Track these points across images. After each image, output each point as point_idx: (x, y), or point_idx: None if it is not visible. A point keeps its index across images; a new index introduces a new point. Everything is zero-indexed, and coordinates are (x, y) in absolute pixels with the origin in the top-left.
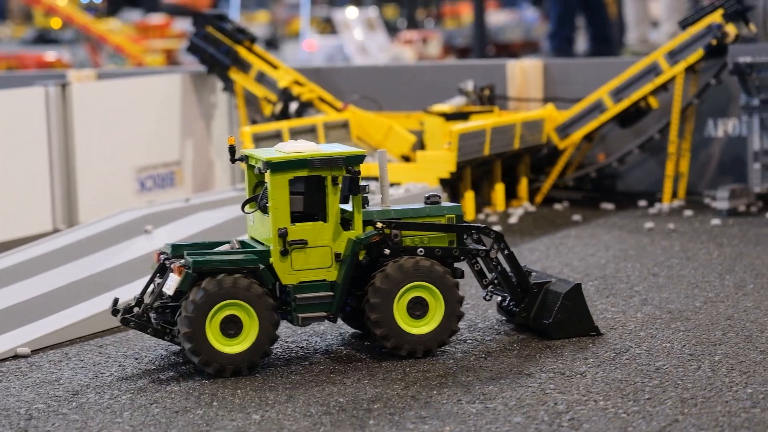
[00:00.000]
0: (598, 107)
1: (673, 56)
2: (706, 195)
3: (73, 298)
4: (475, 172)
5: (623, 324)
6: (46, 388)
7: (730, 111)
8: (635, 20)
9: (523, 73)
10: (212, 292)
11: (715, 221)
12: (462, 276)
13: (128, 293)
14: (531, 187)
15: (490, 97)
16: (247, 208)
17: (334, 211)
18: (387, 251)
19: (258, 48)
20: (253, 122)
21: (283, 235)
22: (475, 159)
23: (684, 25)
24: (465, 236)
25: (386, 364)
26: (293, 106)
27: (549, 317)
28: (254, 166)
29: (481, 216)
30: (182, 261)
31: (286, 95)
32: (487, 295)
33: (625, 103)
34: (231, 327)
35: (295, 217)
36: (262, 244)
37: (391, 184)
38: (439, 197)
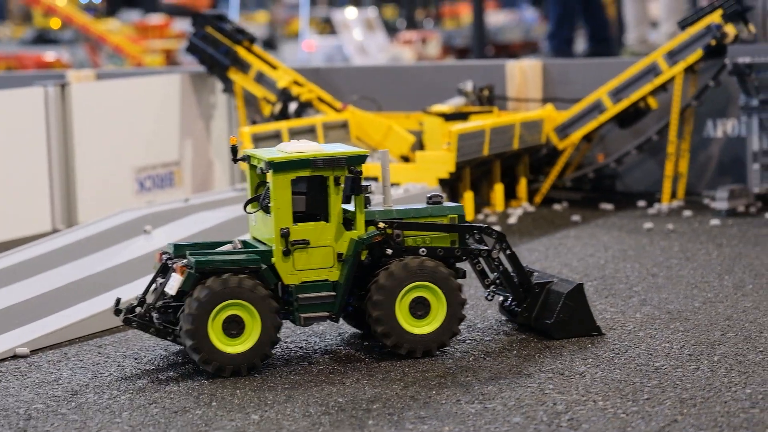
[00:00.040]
0: (597, 108)
1: (673, 57)
2: (705, 195)
3: (72, 299)
4: (474, 172)
5: (622, 324)
6: (45, 388)
7: (730, 111)
8: (634, 21)
9: (523, 74)
10: (217, 290)
11: (714, 222)
12: (464, 276)
13: (127, 293)
14: (530, 187)
15: (490, 98)
16: (249, 208)
17: (337, 211)
18: (389, 251)
19: (257, 48)
20: (253, 122)
21: (285, 235)
22: (475, 159)
23: (683, 25)
24: (467, 236)
25: (385, 364)
26: (292, 107)
27: (551, 317)
28: (256, 167)
29: (480, 216)
30: (185, 261)
31: (285, 95)
32: (488, 295)
33: (624, 104)
34: (233, 327)
35: (298, 217)
36: (265, 244)
37: (391, 185)
38: (441, 197)
